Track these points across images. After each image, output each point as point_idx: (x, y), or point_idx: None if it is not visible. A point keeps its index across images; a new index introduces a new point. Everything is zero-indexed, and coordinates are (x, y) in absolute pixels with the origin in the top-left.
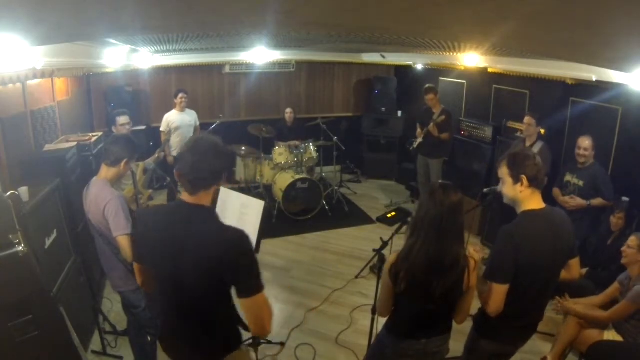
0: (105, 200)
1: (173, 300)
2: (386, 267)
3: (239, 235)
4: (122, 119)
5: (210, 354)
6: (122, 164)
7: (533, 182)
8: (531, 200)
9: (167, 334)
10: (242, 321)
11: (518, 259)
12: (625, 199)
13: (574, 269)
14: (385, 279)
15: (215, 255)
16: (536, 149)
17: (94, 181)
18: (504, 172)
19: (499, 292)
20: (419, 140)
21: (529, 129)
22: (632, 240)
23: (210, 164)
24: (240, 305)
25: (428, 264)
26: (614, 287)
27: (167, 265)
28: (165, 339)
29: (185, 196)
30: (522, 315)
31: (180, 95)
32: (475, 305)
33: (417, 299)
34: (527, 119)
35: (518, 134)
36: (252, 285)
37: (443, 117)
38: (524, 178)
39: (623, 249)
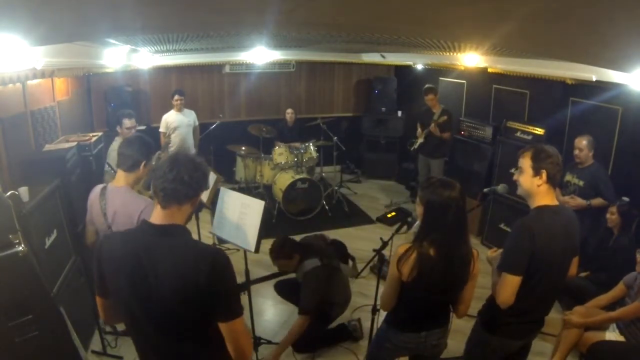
0: (140, 208)
1: (150, 339)
2: (394, 258)
3: (216, 256)
4: (129, 122)
5: None
6: (141, 167)
7: (551, 180)
8: (547, 196)
9: None
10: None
11: (533, 252)
12: (625, 199)
13: (573, 267)
14: (393, 270)
15: (190, 280)
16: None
17: (113, 189)
18: (526, 162)
19: (512, 283)
20: (420, 140)
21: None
22: None
23: (188, 175)
24: (222, 329)
25: (439, 254)
26: (619, 289)
27: (138, 297)
28: None
29: (155, 214)
30: (530, 311)
31: (175, 97)
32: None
33: (425, 289)
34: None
35: (518, 134)
36: (231, 310)
37: (445, 118)
38: (544, 173)
39: None
